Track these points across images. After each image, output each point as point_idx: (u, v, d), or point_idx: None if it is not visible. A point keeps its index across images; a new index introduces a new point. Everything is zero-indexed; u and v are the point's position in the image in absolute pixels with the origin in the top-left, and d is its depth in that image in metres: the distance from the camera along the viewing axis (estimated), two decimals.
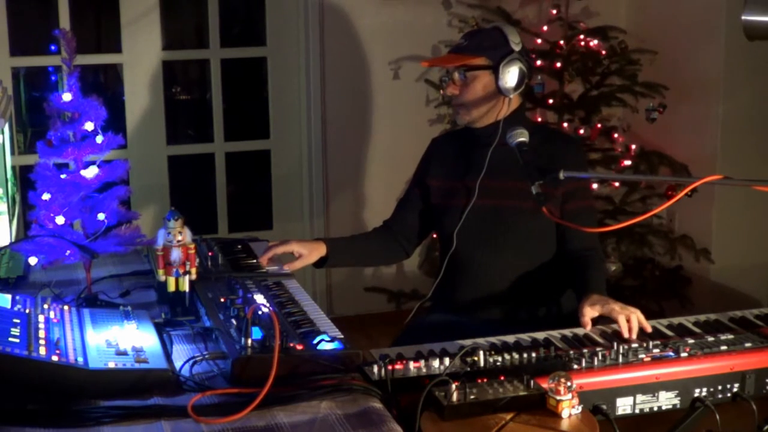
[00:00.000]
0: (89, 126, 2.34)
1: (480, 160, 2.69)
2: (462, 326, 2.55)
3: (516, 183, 2.58)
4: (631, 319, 2.29)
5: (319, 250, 2.72)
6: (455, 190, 2.73)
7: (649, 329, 2.30)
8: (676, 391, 2.13)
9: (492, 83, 2.64)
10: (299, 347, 1.98)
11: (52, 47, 4.43)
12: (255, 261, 2.66)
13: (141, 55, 4.45)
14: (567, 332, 2.33)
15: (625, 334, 2.27)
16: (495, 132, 2.64)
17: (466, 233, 2.69)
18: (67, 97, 2.32)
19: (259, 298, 2.27)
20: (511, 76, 2.62)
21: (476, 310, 2.69)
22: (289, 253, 2.67)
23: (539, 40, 4.30)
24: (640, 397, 2.10)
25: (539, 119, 4.32)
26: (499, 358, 2.06)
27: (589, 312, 2.35)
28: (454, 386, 1.87)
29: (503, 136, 2.56)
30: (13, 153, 2.95)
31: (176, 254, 2.22)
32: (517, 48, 2.65)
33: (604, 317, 2.37)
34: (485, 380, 1.92)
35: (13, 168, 2.97)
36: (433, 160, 2.84)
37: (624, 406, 2.10)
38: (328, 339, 2.03)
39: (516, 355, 2.07)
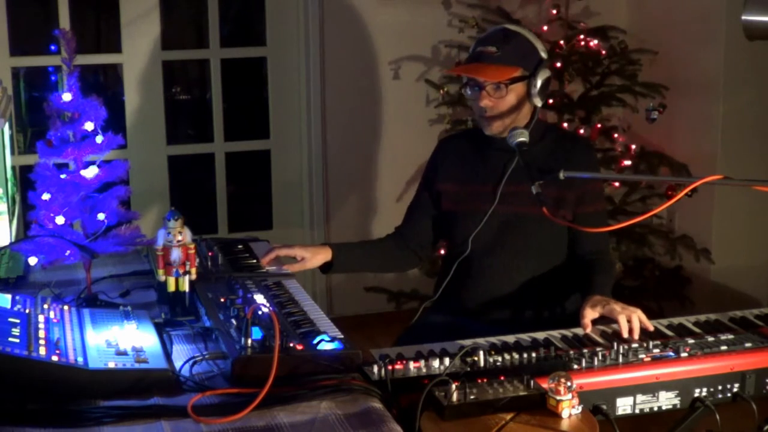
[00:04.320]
0: (89, 126, 2.34)
1: (499, 165, 2.64)
2: (465, 327, 2.53)
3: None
4: (632, 319, 2.29)
5: (324, 255, 2.68)
6: (471, 194, 2.69)
7: (651, 328, 2.30)
8: (676, 391, 2.13)
9: (524, 93, 2.59)
10: (299, 347, 1.98)
11: (52, 47, 4.43)
12: (255, 261, 2.66)
13: (141, 55, 4.45)
14: (567, 332, 2.33)
15: (625, 334, 2.27)
16: None
17: (480, 238, 2.65)
18: (67, 97, 2.32)
19: (259, 298, 2.27)
20: (543, 86, 2.59)
21: (482, 313, 2.67)
22: (291, 257, 2.64)
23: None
24: (640, 397, 2.10)
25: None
26: (499, 358, 2.06)
27: (590, 314, 2.34)
28: (454, 386, 1.87)
29: (529, 144, 2.56)
30: (13, 153, 2.95)
31: (176, 254, 2.22)
32: (545, 56, 2.62)
33: (605, 317, 2.37)
34: (485, 380, 1.92)
35: (13, 168, 2.97)
36: (443, 163, 2.78)
37: (624, 406, 2.09)
38: (328, 339, 2.03)
39: (516, 355, 2.07)
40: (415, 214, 2.83)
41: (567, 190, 2.60)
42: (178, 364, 1.98)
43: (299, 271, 2.67)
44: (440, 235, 2.84)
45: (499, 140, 2.63)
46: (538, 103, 2.61)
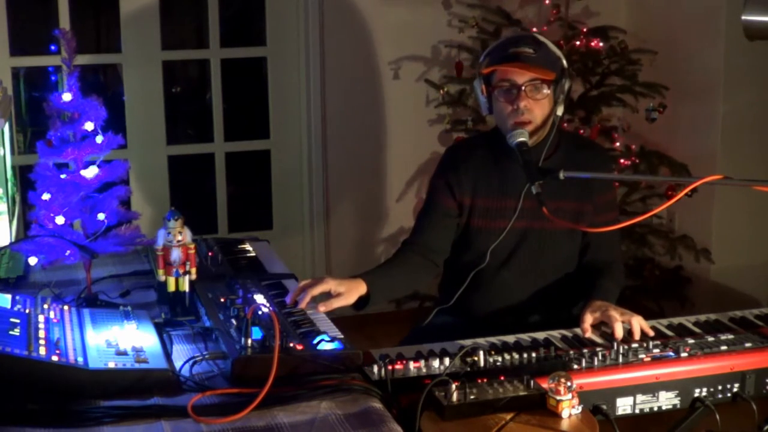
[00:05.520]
0: (89, 126, 2.34)
1: (518, 179, 2.55)
2: (472, 331, 2.45)
3: (558, 203, 2.51)
4: (632, 323, 2.28)
5: (359, 289, 2.43)
6: (492, 209, 2.62)
7: (652, 333, 2.29)
8: (676, 391, 2.13)
9: (553, 100, 2.53)
10: (299, 347, 1.98)
11: (52, 47, 4.43)
12: (255, 258, 2.66)
13: (141, 55, 4.45)
14: (567, 332, 2.33)
15: (618, 337, 2.25)
16: (540, 150, 2.54)
17: (497, 250, 2.61)
18: (67, 97, 2.32)
19: (259, 298, 2.27)
20: (566, 93, 2.54)
21: (491, 320, 2.65)
22: (325, 293, 2.36)
23: None
24: (640, 397, 2.10)
25: None
26: (499, 358, 2.06)
27: (589, 319, 2.33)
28: (454, 386, 1.87)
29: (548, 155, 2.55)
30: (13, 153, 2.95)
31: (176, 254, 2.23)
32: (565, 64, 2.56)
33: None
34: (485, 380, 1.92)
35: (13, 168, 2.97)
36: (459, 174, 2.65)
37: (624, 406, 2.10)
38: (328, 339, 2.03)
39: (516, 355, 2.07)
40: (427, 224, 2.69)
41: (586, 203, 2.60)
42: (178, 364, 1.98)
43: (299, 271, 2.65)
44: (454, 246, 2.72)
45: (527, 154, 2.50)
46: (560, 111, 2.55)
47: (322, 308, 2.28)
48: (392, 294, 2.69)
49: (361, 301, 2.47)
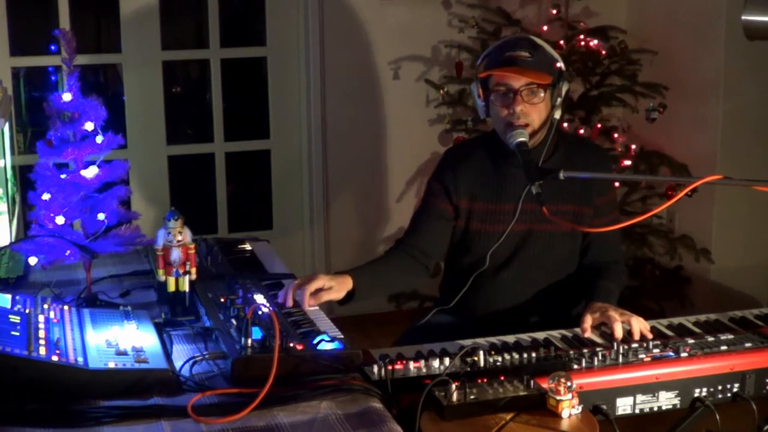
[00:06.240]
0: (89, 126, 2.34)
1: (518, 183, 2.55)
2: (471, 331, 2.45)
3: (557, 206, 2.51)
4: (631, 323, 2.28)
5: (346, 284, 2.48)
6: (492, 212, 2.61)
7: (650, 336, 2.28)
8: (676, 391, 2.13)
9: (551, 103, 2.53)
10: (299, 347, 1.98)
11: (52, 47, 4.43)
12: (255, 257, 2.66)
13: (141, 55, 4.45)
14: (567, 332, 2.33)
15: (618, 337, 2.25)
16: (540, 152, 2.54)
17: (497, 253, 2.61)
18: (67, 97, 2.32)
19: (259, 298, 2.27)
20: (564, 96, 2.53)
21: (491, 320, 2.64)
22: (319, 288, 2.41)
23: None
24: (640, 397, 2.10)
25: None
26: (499, 358, 2.06)
27: (589, 319, 2.33)
28: (454, 386, 1.87)
29: (547, 156, 2.54)
30: (13, 153, 2.95)
31: (176, 254, 2.23)
32: (563, 66, 2.55)
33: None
34: (485, 380, 1.92)
35: (13, 168, 2.97)
36: (458, 177, 2.64)
37: (624, 406, 2.10)
38: (328, 339, 2.03)
39: (516, 355, 2.07)
40: (422, 226, 2.68)
41: (585, 205, 2.60)
42: (178, 364, 1.98)
43: (299, 270, 2.65)
44: (454, 248, 2.71)
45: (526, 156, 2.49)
46: (557, 114, 2.54)
47: (312, 301, 2.34)
48: (377, 293, 2.69)
49: (348, 296, 2.51)
